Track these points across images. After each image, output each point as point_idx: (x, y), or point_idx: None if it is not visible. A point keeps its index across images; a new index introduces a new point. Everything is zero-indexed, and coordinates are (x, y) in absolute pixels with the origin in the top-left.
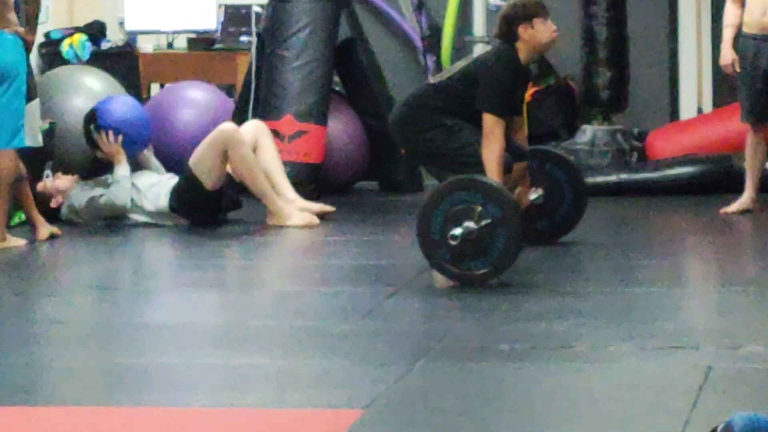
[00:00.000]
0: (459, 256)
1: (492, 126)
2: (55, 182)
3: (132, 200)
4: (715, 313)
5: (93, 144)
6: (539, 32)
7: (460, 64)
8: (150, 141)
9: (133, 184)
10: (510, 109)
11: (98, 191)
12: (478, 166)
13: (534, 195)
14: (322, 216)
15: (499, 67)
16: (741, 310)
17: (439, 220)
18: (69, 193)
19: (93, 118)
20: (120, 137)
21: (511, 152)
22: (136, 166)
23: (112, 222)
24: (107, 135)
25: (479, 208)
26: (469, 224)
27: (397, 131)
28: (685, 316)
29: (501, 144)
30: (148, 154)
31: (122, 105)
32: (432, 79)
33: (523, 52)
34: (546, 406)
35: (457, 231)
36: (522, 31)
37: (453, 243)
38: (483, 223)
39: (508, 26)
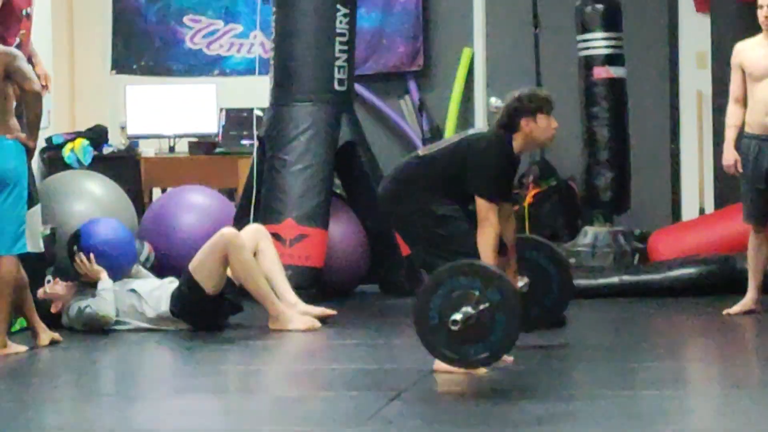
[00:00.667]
0: (458, 341)
1: (486, 212)
2: (55, 288)
3: (134, 308)
4: (719, 416)
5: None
6: (541, 127)
7: (451, 139)
8: (135, 261)
9: (134, 290)
10: (502, 195)
11: (85, 303)
12: (471, 256)
13: (520, 283)
14: (323, 320)
15: (491, 154)
16: (745, 413)
17: (437, 306)
18: (68, 299)
19: (76, 238)
20: (92, 257)
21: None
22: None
23: (110, 328)
24: (86, 257)
25: (477, 293)
26: (468, 309)
27: (387, 207)
28: (688, 419)
29: (496, 229)
30: (138, 268)
31: (105, 227)
32: (421, 152)
33: (519, 142)
34: None
35: (458, 316)
36: (524, 123)
37: (454, 328)
38: (481, 307)
39: (510, 118)
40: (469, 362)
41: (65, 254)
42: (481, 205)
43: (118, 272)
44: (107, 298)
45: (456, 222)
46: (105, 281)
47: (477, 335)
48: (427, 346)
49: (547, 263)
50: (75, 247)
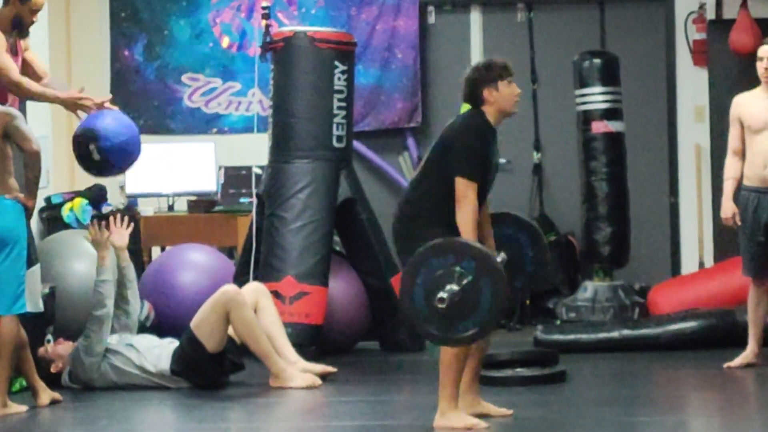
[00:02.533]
0: (449, 321)
1: (464, 189)
2: (56, 348)
3: (131, 361)
4: None
5: (89, 167)
6: (504, 95)
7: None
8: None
9: (132, 345)
10: (483, 173)
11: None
12: None
13: (498, 258)
14: (324, 377)
15: (468, 131)
16: None
17: (420, 292)
18: (68, 360)
19: (93, 138)
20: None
21: None
22: (122, 298)
23: (113, 380)
24: (100, 225)
25: (456, 269)
26: (452, 286)
27: (396, 242)
28: None
29: (474, 206)
30: (129, 261)
31: (116, 123)
32: (410, 176)
33: (490, 114)
34: None
35: (443, 294)
36: (487, 94)
37: (440, 306)
38: (464, 282)
39: (472, 90)
40: (459, 339)
41: (66, 314)
42: (460, 183)
43: (131, 162)
44: (105, 293)
45: None
46: (106, 270)
47: (465, 311)
48: (417, 328)
49: (514, 232)
50: (92, 147)
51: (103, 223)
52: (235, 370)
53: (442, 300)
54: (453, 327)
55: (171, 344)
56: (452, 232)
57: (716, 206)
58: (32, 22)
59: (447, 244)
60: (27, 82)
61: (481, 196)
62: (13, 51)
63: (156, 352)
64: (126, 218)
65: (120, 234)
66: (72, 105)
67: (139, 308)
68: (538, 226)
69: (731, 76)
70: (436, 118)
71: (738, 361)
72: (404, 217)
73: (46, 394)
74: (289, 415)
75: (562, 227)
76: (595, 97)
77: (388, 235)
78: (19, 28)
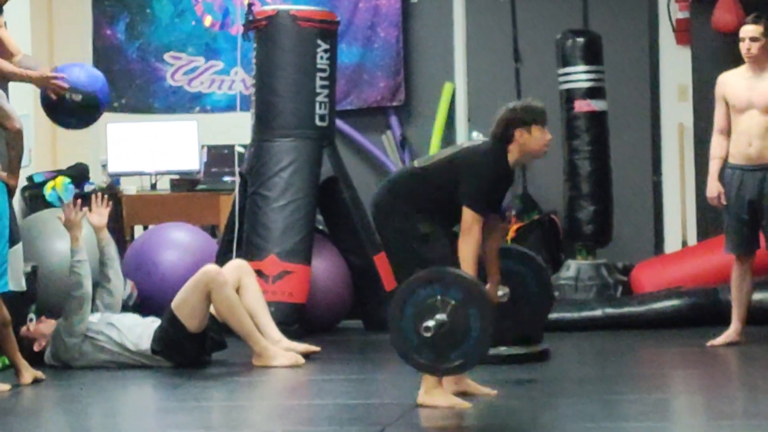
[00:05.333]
0: (438, 350)
1: (471, 222)
2: (38, 326)
3: (112, 339)
4: None
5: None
6: (535, 139)
7: (447, 151)
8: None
9: (112, 324)
10: (490, 207)
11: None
12: None
13: (501, 292)
14: (307, 356)
15: (486, 164)
16: None
17: (409, 323)
18: (50, 338)
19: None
20: (85, 210)
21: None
22: (104, 277)
23: (95, 358)
24: (75, 205)
25: (440, 298)
26: (441, 316)
27: (377, 217)
28: None
29: (478, 240)
30: (109, 239)
31: (84, 71)
32: (417, 163)
33: (513, 154)
34: None
35: (430, 323)
36: (518, 135)
37: (426, 335)
38: (449, 309)
39: (505, 128)
40: (447, 369)
41: (48, 292)
42: (467, 215)
43: (100, 113)
44: (82, 273)
45: (437, 244)
46: (81, 250)
47: (454, 341)
48: (407, 359)
49: (528, 274)
50: (67, 95)
51: (79, 202)
52: (216, 349)
53: (427, 329)
54: (442, 357)
55: (153, 323)
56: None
57: (699, 185)
58: (5, 0)
59: (434, 274)
60: None
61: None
62: None
63: (137, 332)
64: (105, 197)
65: (99, 213)
66: (43, 83)
67: (122, 287)
68: (542, 261)
69: (714, 55)
70: (418, 97)
71: (721, 339)
72: (391, 196)
73: (28, 373)
74: (271, 394)
75: (545, 206)
76: (578, 76)
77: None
78: None
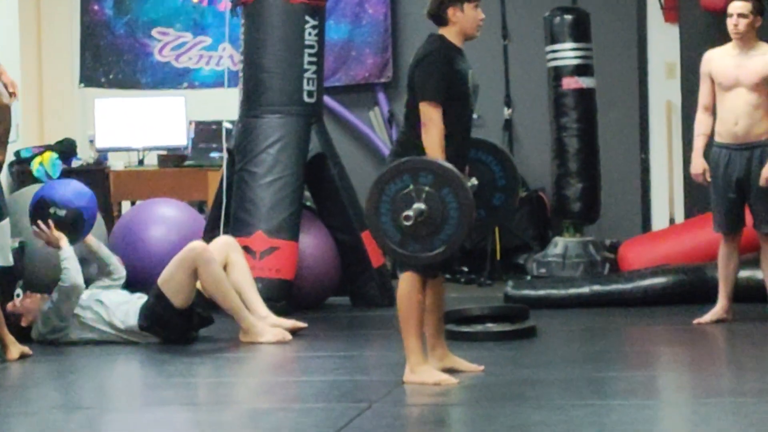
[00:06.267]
0: (422, 240)
1: (428, 113)
2: (24, 301)
3: (101, 318)
4: (690, 425)
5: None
6: (469, 17)
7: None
8: (95, 220)
9: (101, 300)
10: (459, 94)
11: (51, 300)
12: None
13: (468, 183)
14: (294, 332)
15: (428, 55)
16: (716, 422)
17: (387, 219)
18: (37, 312)
19: (43, 206)
20: (51, 223)
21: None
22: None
23: (83, 336)
24: (46, 225)
25: (413, 186)
26: (418, 204)
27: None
28: (659, 429)
29: (440, 128)
30: (99, 245)
31: (66, 188)
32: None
33: (452, 36)
34: None
35: (410, 212)
36: (451, 13)
37: (407, 224)
38: (423, 195)
39: (438, 8)
40: (425, 258)
41: (35, 268)
42: (424, 107)
43: (86, 231)
44: (71, 267)
45: None
46: (66, 250)
47: (435, 226)
48: (391, 254)
49: (490, 161)
50: (52, 211)
51: (39, 223)
52: (203, 325)
53: (408, 218)
54: (427, 245)
55: (140, 299)
56: None
57: (687, 163)
58: None
59: (401, 165)
60: None
61: (464, 123)
62: None
63: (124, 308)
64: (49, 222)
65: (56, 237)
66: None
67: (124, 272)
68: (513, 159)
69: (702, 33)
70: (406, 74)
71: (708, 316)
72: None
73: (15, 348)
74: (258, 370)
75: (533, 183)
76: (566, 53)
77: (358, 190)
78: None
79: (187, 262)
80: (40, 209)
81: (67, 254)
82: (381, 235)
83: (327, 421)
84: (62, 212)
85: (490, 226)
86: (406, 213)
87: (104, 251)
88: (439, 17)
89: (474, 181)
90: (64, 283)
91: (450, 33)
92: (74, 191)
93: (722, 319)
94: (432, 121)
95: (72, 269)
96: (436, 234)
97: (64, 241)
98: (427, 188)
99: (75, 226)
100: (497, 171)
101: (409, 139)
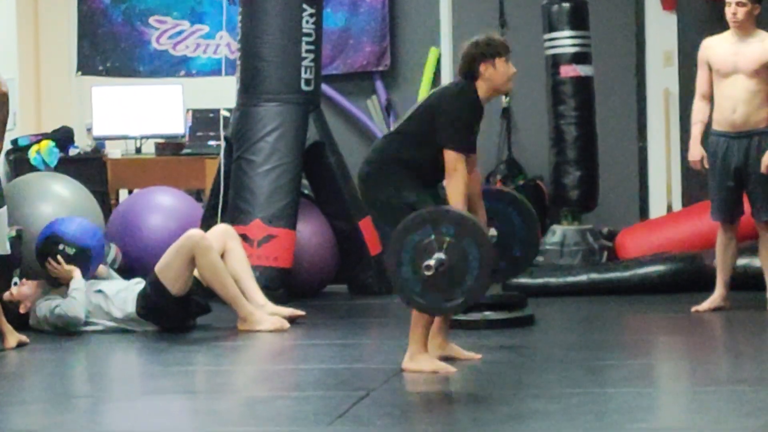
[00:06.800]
0: (441, 291)
1: (455, 162)
2: (20, 289)
3: (100, 308)
4: (688, 413)
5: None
6: (500, 72)
7: (413, 107)
8: (102, 258)
9: (101, 290)
10: (470, 145)
11: (56, 303)
12: None
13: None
14: (292, 320)
15: (460, 103)
16: (714, 410)
17: (408, 269)
18: (35, 299)
19: (54, 241)
20: (60, 258)
21: None
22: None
23: (78, 329)
24: (60, 259)
25: (435, 237)
26: (439, 255)
27: (364, 191)
28: (657, 416)
29: (465, 179)
30: (108, 270)
31: (76, 225)
32: (392, 127)
33: (482, 90)
34: None
35: (431, 261)
36: (483, 69)
37: (428, 274)
38: (445, 245)
39: (469, 64)
40: (444, 309)
41: (32, 256)
42: (450, 156)
43: (93, 268)
44: (78, 298)
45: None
46: (78, 280)
47: (455, 277)
48: (411, 303)
49: (510, 212)
50: (60, 248)
51: (49, 259)
52: (201, 313)
53: (428, 267)
54: (447, 296)
55: (138, 285)
56: (424, 195)
57: (685, 151)
58: None
59: (422, 216)
60: None
61: (440, 167)
62: None
63: (122, 296)
64: (59, 258)
65: (68, 270)
66: None
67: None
68: (533, 209)
69: (700, 21)
70: (404, 62)
71: (705, 304)
72: (374, 168)
73: (13, 337)
74: (256, 359)
75: (531, 171)
76: (564, 41)
77: (356, 179)
78: None
79: (184, 250)
80: (49, 246)
81: (78, 285)
82: (402, 284)
83: (325, 409)
84: (72, 250)
85: (509, 277)
86: (426, 263)
87: (113, 275)
88: (470, 73)
89: (493, 231)
90: (67, 313)
91: (481, 88)
92: (83, 229)
93: (720, 307)
94: (457, 171)
95: (78, 300)
96: (457, 285)
97: (77, 272)
98: (448, 239)
99: (83, 264)
100: (517, 222)
101: (394, 152)
